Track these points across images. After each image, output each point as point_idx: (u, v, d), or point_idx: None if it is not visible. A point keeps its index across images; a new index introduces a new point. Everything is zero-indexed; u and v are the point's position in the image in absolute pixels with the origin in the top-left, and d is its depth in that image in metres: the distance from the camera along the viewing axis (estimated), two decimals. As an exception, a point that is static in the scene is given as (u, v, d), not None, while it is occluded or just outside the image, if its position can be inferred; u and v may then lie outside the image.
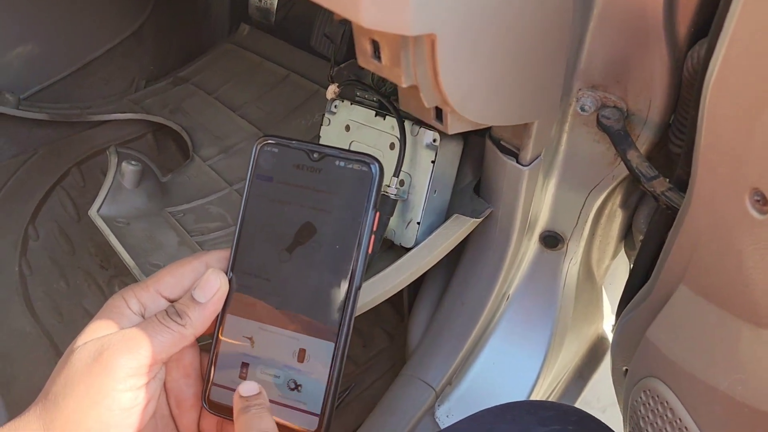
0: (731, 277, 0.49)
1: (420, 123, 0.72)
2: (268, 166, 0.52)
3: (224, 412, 0.52)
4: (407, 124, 0.72)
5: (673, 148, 0.66)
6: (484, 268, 0.81)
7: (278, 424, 0.49)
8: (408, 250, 0.73)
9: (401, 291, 0.92)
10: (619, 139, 0.64)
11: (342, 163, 0.50)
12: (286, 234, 0.51)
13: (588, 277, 0.85)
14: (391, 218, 0.72)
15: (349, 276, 0.50)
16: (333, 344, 0.50)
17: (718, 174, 0.49)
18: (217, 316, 0.51)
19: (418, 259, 0.70)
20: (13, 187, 1.06)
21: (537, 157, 0.69)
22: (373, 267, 0.71)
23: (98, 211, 0.80)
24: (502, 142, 0.71)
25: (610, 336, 0.93)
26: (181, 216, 0.84)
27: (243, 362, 0.52)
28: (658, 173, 0.61)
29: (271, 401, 0.50)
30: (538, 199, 0.75)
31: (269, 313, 0.51)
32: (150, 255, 0.76)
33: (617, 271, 0.91)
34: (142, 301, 0.51)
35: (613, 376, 0.73)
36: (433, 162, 0.71)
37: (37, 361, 0.95)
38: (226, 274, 0.52)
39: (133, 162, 0.83)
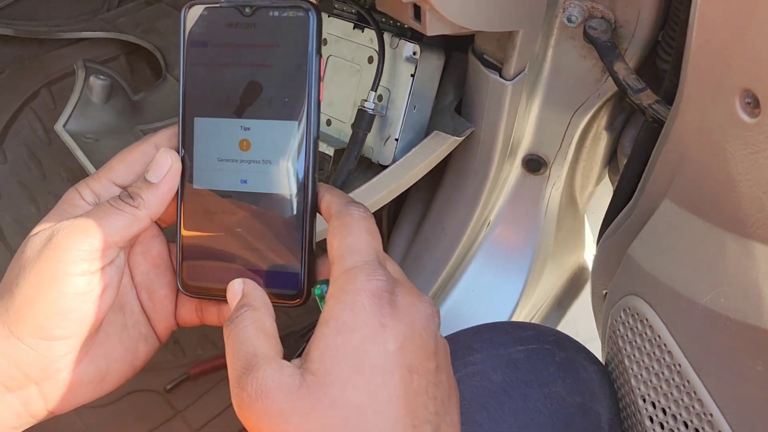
0: (718, 187, 0.47)
1: (400, 35, 0.69)
2: (201, 30, 0.50)
3: (203, 292, 0.51)
4: (386, 36, 0.69)
5: (661, 64, 0.63)
6: (465, 192, 0.78)
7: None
8: (386, 167, 0.70)
9: (379, 216, 0.90)
10: (606, 50, 0.61)
11: (276, 13, 0.49)
12: (232, 98, 0.49)
13: (570, 204, 0.83)
14: (369, 135, 0.69)
15: (305, 127, 0.48)
16: (301, 200, 0.49)
17: (707, 78, 0.46)
18: (176, 194, 0.50)
19: (396, 177, 0.68)
20: (-21, 107, 1.02)
21: (521, 72, 0.66)
22: (349, 185, 0.69)
23: (65, 125, 0.76)
24: (485, 56, 0.68)
25: (590, 266, 0.91)
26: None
27: (213, 239, 0.50)
28: (645, 85, 0.59)
29: (240, 269, 0.50)
30: (521, 120, 0.72)
31: (230, 181, 0.50)
32: (118, 171, 0.73)
33: (600, 200, 0.89)
34: (95, 192, 0.50)
35: (593, 301, 0.71)
36: (412, 76, 0.68)
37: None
38: (177, 151, 0.50)
39: (101, 77, 0.79)
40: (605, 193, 0.89)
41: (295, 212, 0.49)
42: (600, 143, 0.77)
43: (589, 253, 0.91)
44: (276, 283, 0.50)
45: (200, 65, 0.50)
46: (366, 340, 0.41)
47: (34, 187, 1.01)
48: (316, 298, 0.49)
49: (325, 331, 0.42)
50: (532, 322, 0.87)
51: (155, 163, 0.49)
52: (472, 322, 0.83)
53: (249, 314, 0.44)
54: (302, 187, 0.49)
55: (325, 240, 0.47)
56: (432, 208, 0.83)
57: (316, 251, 0.51)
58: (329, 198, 0.49)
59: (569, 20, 0.63)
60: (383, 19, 0.70)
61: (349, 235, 0.45)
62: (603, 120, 0.73)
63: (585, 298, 0.92)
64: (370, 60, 0.70)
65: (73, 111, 0.77)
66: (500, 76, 0.66)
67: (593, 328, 0.73)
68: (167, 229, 0.54)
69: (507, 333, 0.61)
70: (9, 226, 0.99)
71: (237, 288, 0.47)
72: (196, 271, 0.51)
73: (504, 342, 0.58)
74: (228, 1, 0.49)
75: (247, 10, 0.49)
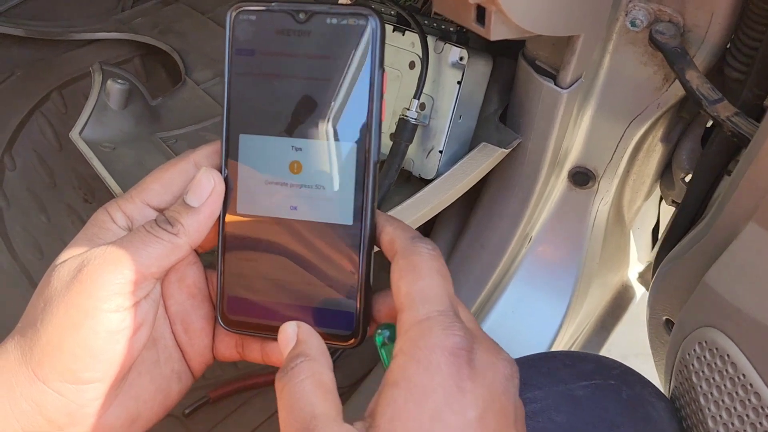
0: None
1: (445, 38, 0.64)
2: (248, 36, 0.45)
3: (246, 327, 0.46)
4: (430, 39, 0.63)
5: (731, 72, 0.58)
6: (508, 206, 0.73)
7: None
8: (427, 182, 0.65)
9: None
10: (676, 57, 0.56)
11: (333, 20, 0.43)
12: (283, 114, 0.44)
13: (617, 220, 0.78)
14: (410, 146, 0.64)
15: (364, 150, 0.43)
16: (358, 231, 0.44)
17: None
18: (218, 220, 0.45)
19: (441, 192, 0.63)
20: (-13, 111, 0.97)
21: (577, 80, 0.61)
22: (388, 200, 0.64)
23: (80, 133, 0.71)
24: (537, 62, 0.63)
25: (635, 284, 0.86)
26: (174, 142, 0.75)
27: (258, 270, 0.45)
28: (721, 96, 0.54)
29: (288, 304, 0.45)
30: (570, 130, 0.67)
31: (278, 206, 0.45)
32: (138, 182, 0.68)
33: (646, 214, 0.84)
34: (128, 214, 0.45)
35: (650, 327, 0.66)
36: (459, 83, 0.62)
37: (15, 300, 0.88)
38: (220, 171, 0.45)
39: (119, 80, 0.74)
40: (651, 207, 0.84)
41: (350, 244, 0.44)
42: (653, 156, 0.72)
43: (633, 271, 0.86)
44: (328, 321, 0.45)
45: (247, 75, 0.45)
46: (443, 408, 0.36)
47: (44, 195, 0.96)
48: (378, 347, 0.43)
49: (394, 394, 0.37)
50: (576, 348, 0.82)
51: (196, 184, 0.44)
52: (513, 346, 0.78)
53: (306, 366, 0.39)
54: (360, 216, 0.44)
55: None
56: (470, 224, 0.78)
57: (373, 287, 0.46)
58: (391, 231, 0.44)
59: (633, 24, 0.58)
60: (425, 21, 0.65)
61: (419, 278, 0.40)
62: (659, 131, 0.68)
63: (628, 319, 0.87)
64: (412, 65, 0.64)
65: (89, 117, 0.72)
66: (555, 84, 0.61)
67: (633, 342, 0.68)
68: (204, 255, 0.49)
69: (566, 365, 0.56)
70: (17, 235, 0.94)
71: (290, 333, 0.42)
72: (238, 305, 0.46)
73: (564, 377, 0.53)
74: (279, 4, 0.44)
75: (302, 15, 0.43)
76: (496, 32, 0.48)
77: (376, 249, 0.45)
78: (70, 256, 0.43)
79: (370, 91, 0.43)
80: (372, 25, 0.43)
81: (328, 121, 0.44)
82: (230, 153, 0.45)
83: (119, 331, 0.41)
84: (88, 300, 0.40)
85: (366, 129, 0.43)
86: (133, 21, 0.99)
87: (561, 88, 0.61)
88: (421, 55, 0.63)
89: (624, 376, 0.56)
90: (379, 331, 0.44)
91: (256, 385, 0.82)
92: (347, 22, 0.43)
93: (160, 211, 0.45)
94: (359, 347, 0.45)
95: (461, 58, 0.62)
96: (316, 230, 0.44)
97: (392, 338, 0.43)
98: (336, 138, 0.44)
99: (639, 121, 0.65)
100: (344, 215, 0.44)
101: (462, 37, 0.64)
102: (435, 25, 0.64)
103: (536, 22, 0.50)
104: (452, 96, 0.63)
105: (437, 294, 0.40)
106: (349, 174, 0.44)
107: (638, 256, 0.86)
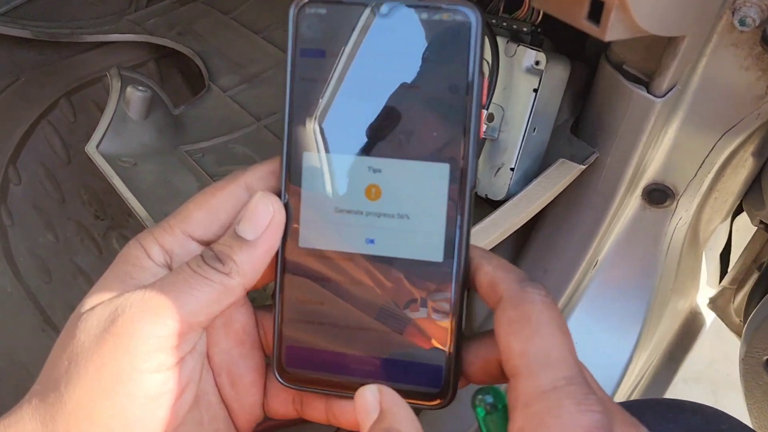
0: None
1: (516, 40, 0.56)
2: (316, 34, 0.37)
3: (308, 383, 0.39)
4: (500, 41, 0.56)
5: None
6: (577, 228, 0.65)
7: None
8: (494, 203, 0.57)
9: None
10: (797, 61, 0.48)
11: (424, 15, 0.36)
12: (358, 127, 0.37)
13: (693, 241, 0.71)
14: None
15: (458, 172, 0.36)
16: (450, 270, 0.36)
17: None
18: (276, 255, 0.38)
19: (514, 215, 0.55)
20: (-11, 120, 0.89)
21: (673, 87, 0.53)
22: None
23: (98, 146, 0.63)
24: (625, 67, 0.55)
25: (704, 311, 0.78)
26: (200, 156, 0.68)
27: (325, 314, 0.38)
28: None
29: (362, 356, 0.38)
30: (653, 144, 0.59)
31: (351, 239, 0.38)
32: (165, 203, 0.60)
33: (718, 234, 0.76)
34: (166, 248, 0.38)
35: (744, 366, 0.59)
36: (535, 90, 0.55)
37: (21, 328, 0.80)
38: (280, 197, 0.38)
39: (140, 87, 0.66)
40: (722, 226, 0.76)
41: (440, 285, 0.37)
42: (741, 171, 0.64)
43: (702, 297, 0.78)
44: (410, 377, 0.37)
45: (314, 81, 0.37)
46: None
47: (52, 212, 0.88)
48: (480, 419, 0.35)
49: None
50: (645, 383, 0.74)
51: (251, 212, 0.37)
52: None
53: None
54: (452, 252, 0.37)
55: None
56: (529, 247, 0.70)
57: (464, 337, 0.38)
58: (491, 271, 0.36)
59: (742, 23, 0.50)
60: (493, 21, 0.57)
61: (536, 334, 0.33)
62: (752, 144, 0.61)
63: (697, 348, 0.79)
64: (484, 77, 0.56)
65: (107, 128, 0.64)
66: (647, 92, 0.53)
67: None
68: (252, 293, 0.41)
69: (667, 418, 0.48)
70: (22, 257, 0.86)
71: (371, 400, 0.35)
72: (299, 356, 0.39)
73: (670, 433, 0.46)
74: None
75: (384, 8, 0.36)
76: (613, 32, 0.40)
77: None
78: (99, 301, 0.36)
79: (467, 100, 0.36)
80: (472, 20, 0.35)
81: (414, 136, 0.36)
82: (292, 174, 0.38)
83: (161, 395, 0.34)
84: (123, 358, 0.33)
85: (461, 146, 0.36)
86: (147, 22, 0.91)
87: (655, 96, 0.53)
88: (489, 59, 0.55)
89: (734, 430, 0.48)
90: (480, 397, 0.36)
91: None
92: (441, 18, 0.35)
93: (206, 244, 0.38)
94: (446, 408, 0.38)
95: (537, 62, 0.54)
96: (397, 268, 0.37)
97: (496, 406, 0.35)
98: (424, 157, 0.36)
99: (733, 133, 0.57)
100: (433, 250, 0.37)
101: (536, 39, 0.56)
102: (505, 24, 0.56)
103: (656, 21, 0.42)
104: (526, 106, 0.55)
105: (561, 356, 0.33)
106: (439, 201, 0.36)
107: (708, 280, 0.78)
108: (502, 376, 0.35)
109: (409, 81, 0.36)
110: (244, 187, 0.38)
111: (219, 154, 0.69)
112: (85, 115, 0.92)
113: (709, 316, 0.78)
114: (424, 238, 0.37)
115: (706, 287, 0.79)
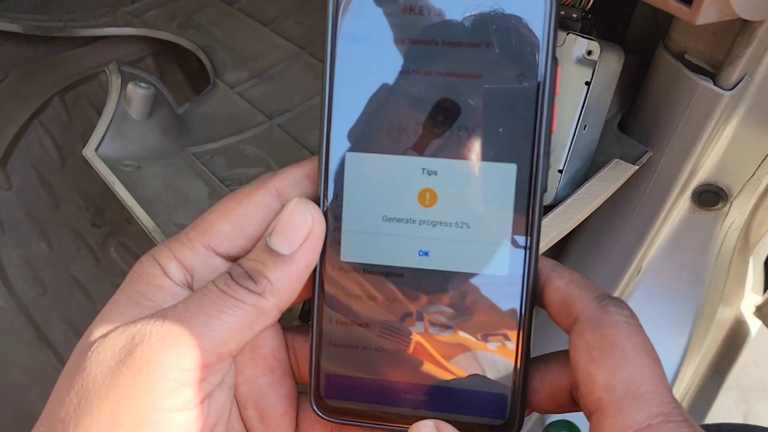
0: None
1: (565, 27, 0.50)
2: (361, 18, 0.32)
3: (350, 415, 0.35)
4: (546, 29, 0.50)
5: None
6: (623, 234, 0.60)
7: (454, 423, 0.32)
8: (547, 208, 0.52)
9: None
10: None
11: None
12: (410, 124, 0.32)
13: (743, 246, 0.65)
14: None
15: (527, 174, 0.32)
16: (518, 285, 0.32)
17: None
18: (314, 272, 0.33)
19: (564, 221, 0.50)
20: (-23, 120, 0.83)
21: (743, 78, 0.48)
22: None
23: (97, 149, 0.57)
24: (686, 56, 0.49)
25: (749, 319, 0.73)
26: (209, 158, 0.62)
27: (370, 338, 0.34)
28: None
29: (413, 384, 0.33)
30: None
31: (402, 252, 0.33)
32: (173, 211, 0.54)
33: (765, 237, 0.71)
34: (186, 264, 0.33)
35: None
36: (587, 83, 0.49)
37: (14, 344, 0.75)
38: (319, 204, 0.33)
39: (142, 84, 0.60)
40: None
41: (505, 303, 0.32)
42: (802, 170, 0.59)
43: (747, 304, 0.73)
44: (470, 407, 0.33)
45: (359, 72, 0.32)
46: None
47: (45, 218, 0.82)
48: None
49: None
50: (691, 397, 0.69)
51: (286, 222, 0.32)
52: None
53: None
54: (520, 265, 0.32)
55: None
56: (568, 254, 0.65)
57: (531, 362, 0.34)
58: (564, 287, 0.32)
59: (823, 5, 0.45)
60: (537, 7, 0.51)
61: (624, 364, 0.29)
62: (818, 141, 0.55)
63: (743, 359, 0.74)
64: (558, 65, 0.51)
65: (107, 130, 0.58)
66: (714, 84, 0.48)
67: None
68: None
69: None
70: (15, 267, 0.80)
71: None
72: (340, 384, 0.34)
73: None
74: None
75: None
76: (706, 14, 0.35)
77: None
78: (112, 327, 0.31)
79: (538, 92, 0.31)
80: (545, 2, 0.30)
81: (476, 133, 0.32)
82: (332, 178, 0.33)
83: None
84: (143, 396, 0.29)
85: (531, 145, 0.32)
86: (146, 14, 0.85)
87: (723, 89, 0.48)
88: (534, 48, 0.49)
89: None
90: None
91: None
92: None
93: (231, 260, 0.33)
94: None
95: (590, 52, 0.49)
96: (456, 284, 0.33)
97: None
98: (487, 157, 0.32)
99: (801, 128, 0.52)
100: (497, 264, 0.33)
101: (587, 26, 0.50)
102: (551, 10, 0.51)
103: (748, 4, 0.36)
104: (577, 100, 0.50)
105: (655, 389, 0.29)
106: (505, 207, 0.32)
107: (752, 286, 0.73)
108: (573, 405, 0.32)
109: (470, 70, 0.32)
110: (275, 194, 0.34)
111: (229, 156, 0.63)
112: (79, 114, 0.86)
113: (754, 325, 0.73)
114: (486, 250, 0.32)
115: (750, 294, 0.74)
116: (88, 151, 0.57)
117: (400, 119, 0.32)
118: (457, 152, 0.32)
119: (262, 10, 0.82)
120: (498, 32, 0.31)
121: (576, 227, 0.64)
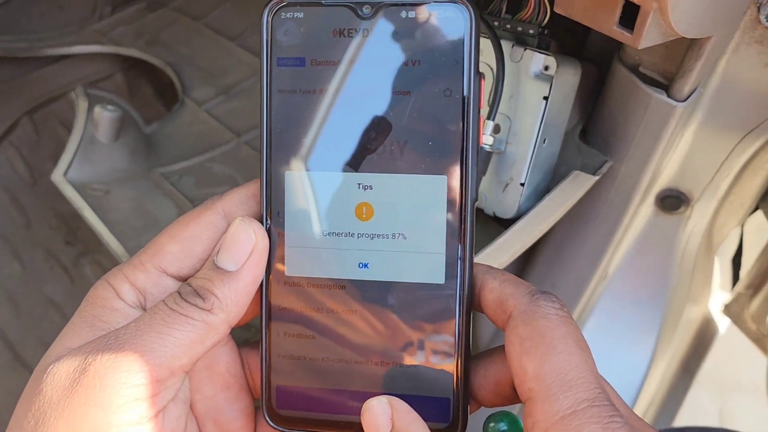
0: None
1: (522, 43, 0.51)
2: (294, 41, 0.34)
3: (303, 425, 0.36)
4: (504, 45, 0.51)
5: None
6: (587, 241, 0.61)
7: None
8: (503, 221, 0.53)
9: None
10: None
11: (411, 14, 0.33)
12: (344, 141, 0.34)
13: (707, 247, 0.67)
14: (483, 179, 0.52)
15: (457, 185, 0.33)
16: (453, 291, 0.34)
17: None
18: (260, 286, 0.35)
19: (527, 234, 0.51)
20: (-55, 142, 0.83)
21: (694, 90, 0.49)
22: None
23: (65, 174, 0.58)
24: (641, 69, 0.50)
25: (717, 317, 0.75)
26: (177, 179, 0.62)
27: (317, 349, 0.35)
28: None
29: (360, 392, 0.35)
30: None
31: (343, 265, 0.35)
32: (142, 234, 0.55)
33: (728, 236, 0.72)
34: (138, 286, 0.34)
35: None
36: (545, 98, 0.50)
37: (-12, 368, 0.75)
38: (261, 222, 0.35)
39: (109, 107, 0.61)
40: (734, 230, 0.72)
41: (442, 309, 0.34)
42: (760, 174, 0.60)
43: (715, 302, 0.74)
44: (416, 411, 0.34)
45: (293, 92, 0.34)
46: None
47: (17, 238, 0.82)
48: None
49: None
50: (660, 399, 0.70)
51: (230, 240, 0.33)
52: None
53: None
54: (454, 272, 0.34)
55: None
56: (535, 262, 0.66)
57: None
58: (498, 287, 0.33)
59: (769, 18, 0.46)
60: (496, 23, 0.52)
61: (552, 353, 0.30)
62: (774, 146, 0.57)
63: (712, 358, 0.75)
64: (482, 77, 0.52)
65: (75, 154, 0.58)
66: (668, 96, 0.49)
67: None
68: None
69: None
70: (-12, 288, 0.80)
71: (380, 413, 0.32)
72: (291, 396, 0.36)
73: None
74: None
75: (366, 9, 0.33)
76: (648, 37, 0.36)
77: None
78: (66, 351, 0.32)
79: (463, 105, 0.33)
80: (464, 16, 0.33)
81: (407, 147, 0.34)
82: (273, 197, 0.35)
83: None
84: (98, 412, 0.30)
85: (459, 157, 0.33)
86: (113, 31, 0.86)
87: (676, 100, 0.49)
88: (493, 65, 0.50)
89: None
90: (492, 425, 0.34)
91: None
92: (429, 15, 0.33)
93: (182, 280, 0.35)
94: None
95: (547, 68, 0.50)
96: (395, 293, 0.34)
97: None
98: (419, 170, 0.34)
99: (755, 134, 0.54)
100: (433, 272, 0.34)
101: (543, 41, 0.51)
102: (509, 26, 0.52)
103: (692, 24, 0.38)
104: (536, 115, 0.51)
105: (581, 375, 0.30)
106: (438, 217, 0.34)
107: (720, 284, 0.74)
108: (516, 397, 0.33)
109: (398, 87, 0.33)
110: (221, 214, 0.35)
111: (197, 176, 0.63)
112: (49, 134, 0.86)
113: (722, 323, 0.75)
114: (422, 259, 0.34)
115: (719, 292, 0.75)
116: (56, 176, 0.57)
117: (334, 138, 0.34)
118: (390, 167, 0.33)
119: (228, 25, 0.82)
120: (424, 50, 0.33)
121: (541, 237, 0.65)
